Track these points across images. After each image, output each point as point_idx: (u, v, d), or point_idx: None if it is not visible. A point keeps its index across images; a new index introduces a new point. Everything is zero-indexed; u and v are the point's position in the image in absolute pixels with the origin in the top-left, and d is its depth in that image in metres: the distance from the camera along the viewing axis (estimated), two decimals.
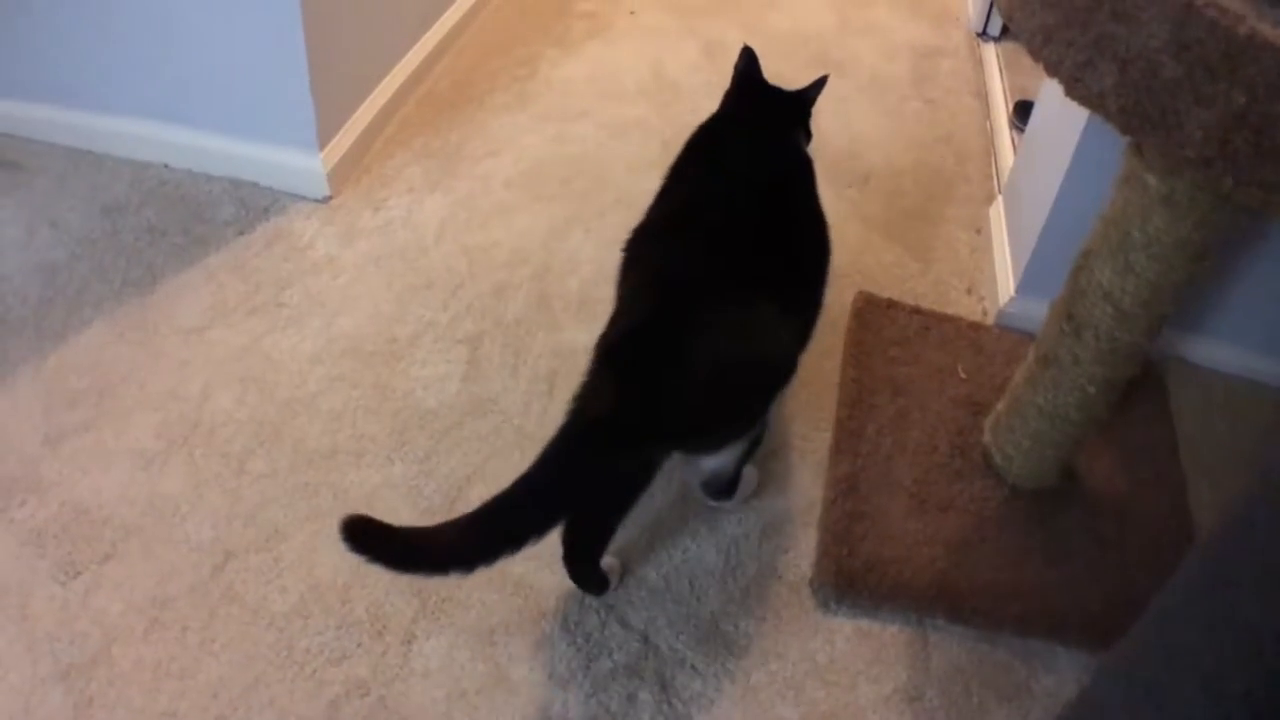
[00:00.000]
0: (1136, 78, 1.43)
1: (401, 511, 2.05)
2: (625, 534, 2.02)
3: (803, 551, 2.02)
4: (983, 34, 3.73)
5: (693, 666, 1.87)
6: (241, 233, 2.60)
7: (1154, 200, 1.72)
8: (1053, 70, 1.55)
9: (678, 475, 2.12)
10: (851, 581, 1.97)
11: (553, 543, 1.82)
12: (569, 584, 1.93)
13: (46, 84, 2.92)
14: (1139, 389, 2.35)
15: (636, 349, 1.77)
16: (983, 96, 3.38)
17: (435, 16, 3.18)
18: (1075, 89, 1.52)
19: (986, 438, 2.19)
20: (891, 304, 2.48)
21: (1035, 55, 1.58)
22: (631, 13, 3.47)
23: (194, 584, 1.95)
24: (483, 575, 1.92)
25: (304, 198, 2.70)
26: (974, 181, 2.90)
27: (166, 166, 2.79)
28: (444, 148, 2.52)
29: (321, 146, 2.65)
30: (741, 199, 1.98)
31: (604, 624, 1.92)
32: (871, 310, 2.46)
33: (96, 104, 2.89)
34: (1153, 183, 1.70)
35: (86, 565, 1.97)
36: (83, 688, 1.82)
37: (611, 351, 1.79)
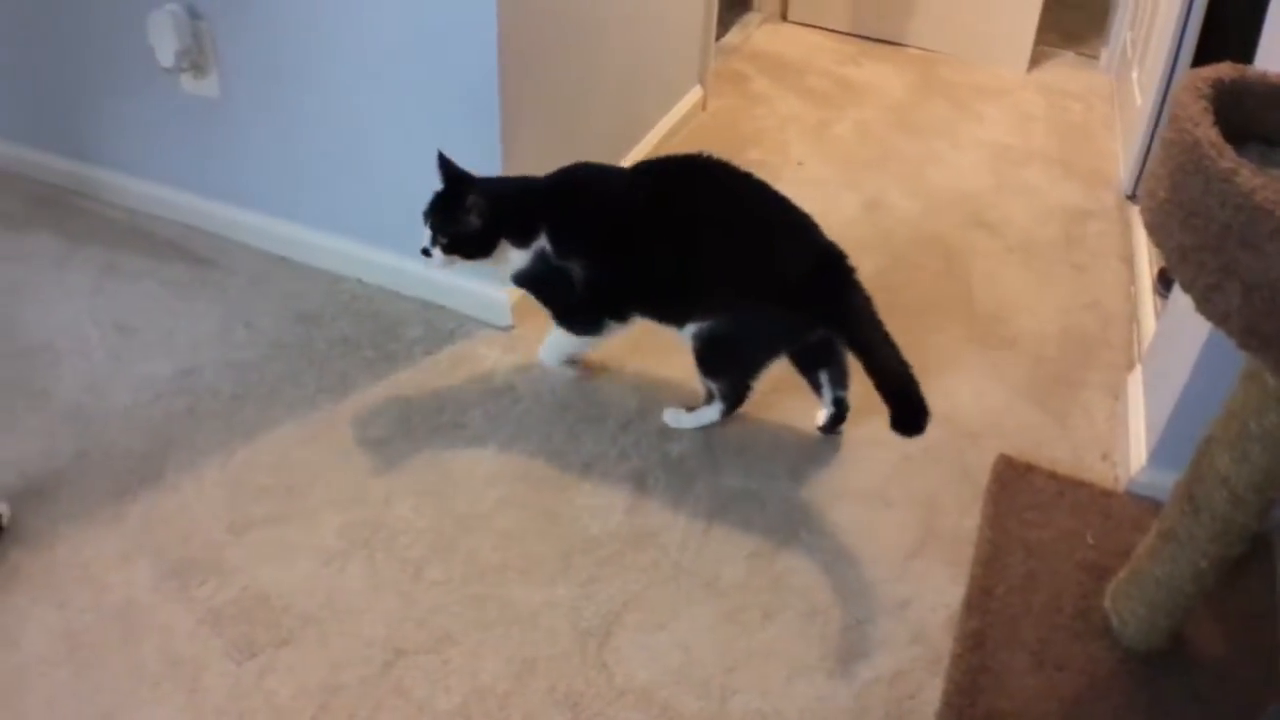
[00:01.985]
0: (1259, 304, 1.56)
1: (561, 631, 2.21)
2: (759, 666, 2.17)
3: (928, 699, 2.13)
4: (1132, 196, 3.82)
5: None
6: (428, 353, 2.83)
7: (1272, 399, 1.84)
8: (1186, 287, 1.68)
9: (819, 629, 2.26)
10: None
11: None
12: None
13: (249, 190, 3.21)
14: (1245, 557, 2.45)
15: None
16: (1129, 261, 3.48)
17: (617, 155, 3.38)
18: (1204, 307, 1.65)
19: (1107, 603, 2.31)
20: (1030, 468, 2.61)
21: (1171, 271, 1.73)
22: (799, 163, 3.64)
23: (364, 676, 2.13)
24: (639, 698, 2.08)
25: (488, 324, 2.93)
26: (1116, 348, 3.01)
27: (360, 281, 3.03)
28: None
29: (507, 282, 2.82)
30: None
31: None
32: (1010, 474, 2.58)
33: (295, 215, 3.15)
34: (1272, 383, 1.82)
35: (262, 648, 2.16)
36: None
37: None
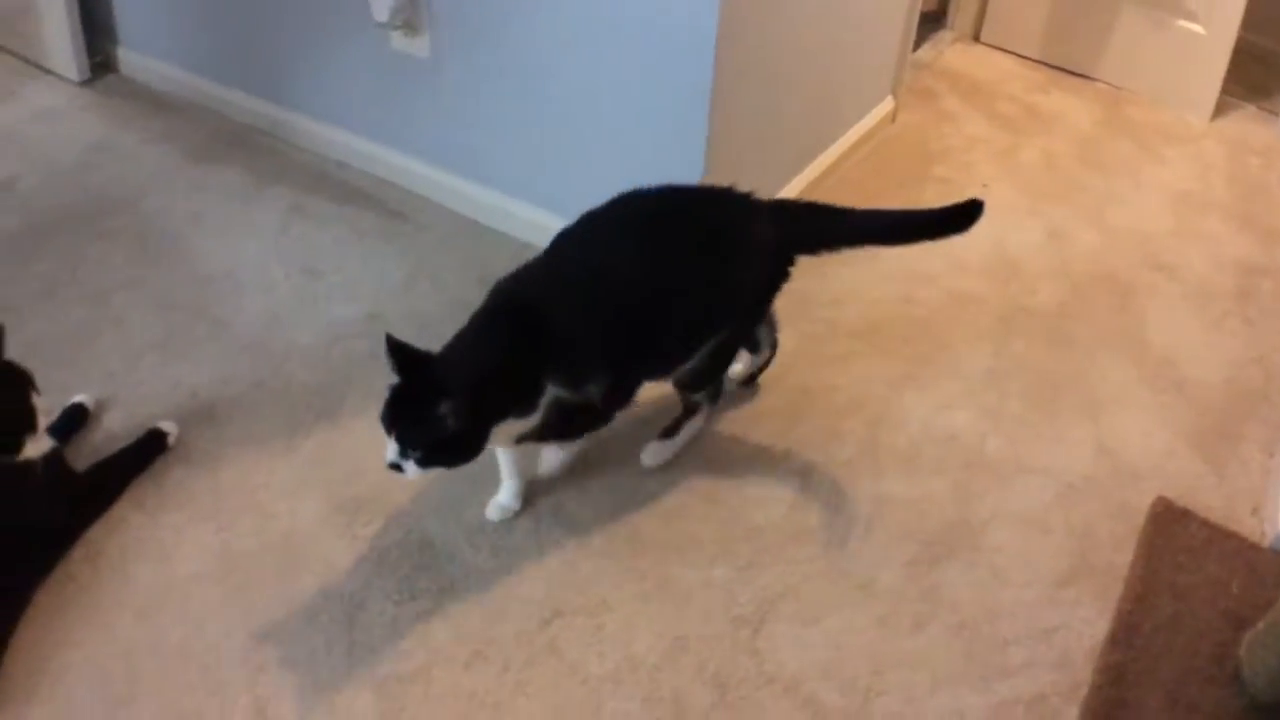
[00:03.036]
0: None
1: (715, 613, 2.29)
2: (905, 671, 2.23)
3: None
4: None
5: None
6: None
7: None
8: None
9: (966, 643, 2.30)
10: None
11: None
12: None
13: (445, 150, 3.31)
14: None
15: None
16: None
17: (809, 159, 3.42)
18: None
19: (1241, 651, 2.33)
20: (1185, 514, 2.61)
21: None
22: (985, 185, 3.66)
23: (520, 631, 2.23)
24: (786, 687, 2.14)
25: None
26: (1276, 405, 3.02)
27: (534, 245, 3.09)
28: (794, 290, 2.74)
29: None
30: None
31: None
32: (1167, 517, 2.60)
33: (490, 179, 3.23)
34: None
35: (423, 592, 2.26)
36: (396, 696, 2.11)
37: None
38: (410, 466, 2.16)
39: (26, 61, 4.20)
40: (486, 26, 3.05)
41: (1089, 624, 2.33)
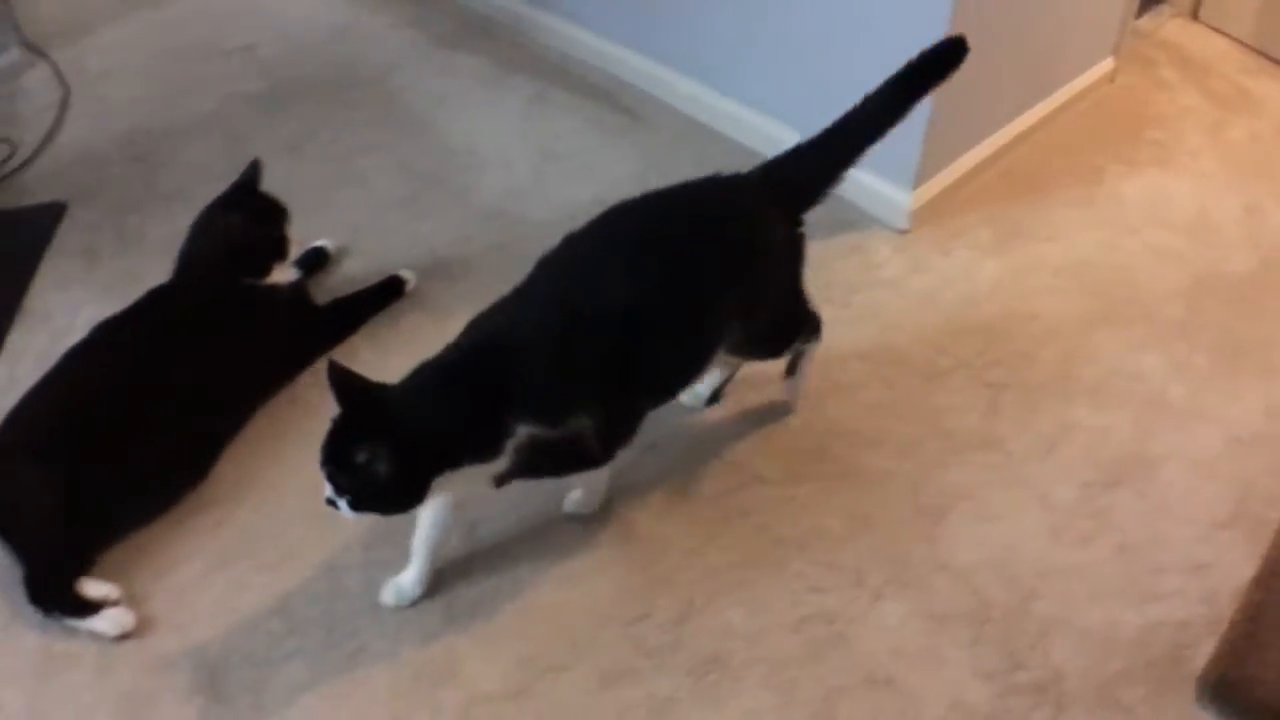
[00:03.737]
0: None
1: (901, 499, 2.46)
2: (1066, 580, 2.35)
3: (1201, 653, 2.20)
4: None
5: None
6: (827, 235, 3.04)
7: None
8: None
9: (1127, 564, 2.44)
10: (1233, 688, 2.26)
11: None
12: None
13: (681, 54, 3.46)
14: None
15: None
16: None
17: (1027, 106, 3.52)
18: None
19: None
20: None
21: None
22: (1192, 155, 3.77)
23: (720, 491, 2.48)
24: (955, 575, 2.32)
25: (884, 225, 3.11)
26: None
27: (764, 156, 3.25)
28: (1009, 220, 2.87)
29: (914, 186, 3.03)
30: None
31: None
32: None
33: (721, 85, 3.39)
34: None
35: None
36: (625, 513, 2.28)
37: None
38: (344, 506, 2.01)
39: None
40: None
41: (1237, 567, 2.40)
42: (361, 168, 3.37)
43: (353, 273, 3.00)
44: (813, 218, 2.86)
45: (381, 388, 2.02)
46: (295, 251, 2.81)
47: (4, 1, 4.23)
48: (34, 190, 3.54)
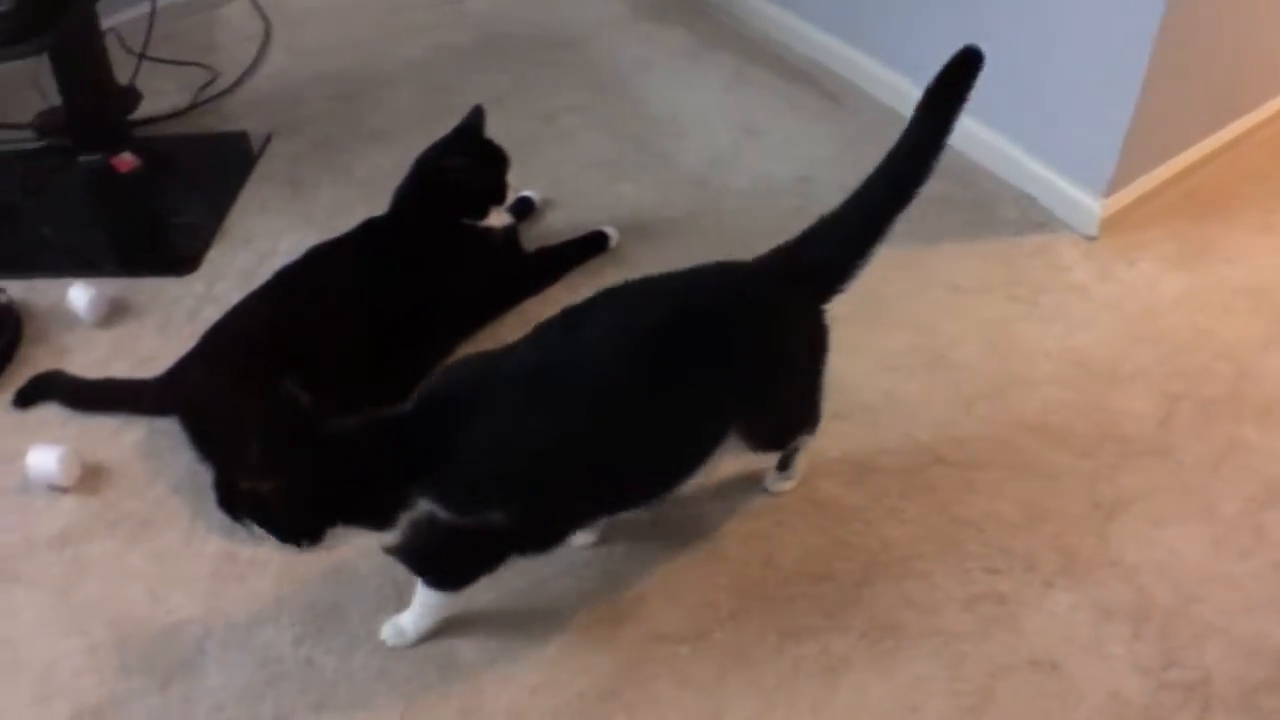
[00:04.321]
0: None
1: (1077, 495, 2.52)
2: (1225, 590, 2.40)
3: None
4: None
5: None
6: (1016, 234, 3.12)
7: None
8: None
9: None
10: None
11: None
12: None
13: (889, 45, 3.55)
14: None
15: None
16: None
17: (1225, 122, 3.48)
18: None
19: None
20: None
21: None
22: None
23: (901, 466, 2.58)
24: (1122, 573, 2.39)
25: (1072, 229, 3.16)
26: None
27: (963, 153, 3.33)
28: (1193, 238, 2.91)
29: (1106, 194, 3.08)
30: None
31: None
32: None
33: (921, 74, 3.47)
34: None
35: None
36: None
37: None
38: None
39: None
40: None
41: None
42: (566, 125, 3.53)
43: (555, 225, 3.16)
44: (1007, 214, 2.98)
45: (312, 422, 1.91)
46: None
47: None
48: (235, 117, 3.78)
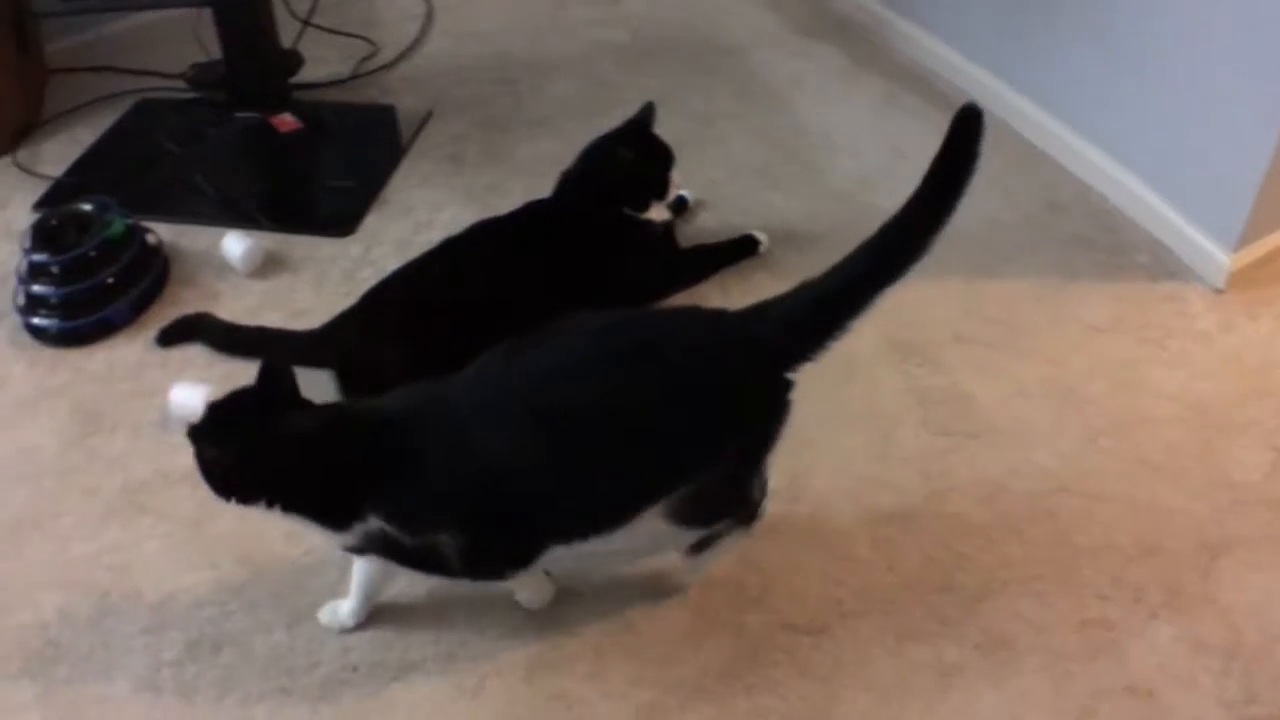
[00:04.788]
0: None
1: (1186, 535, 2.63)
2: None
3: None
4: None
5: None
6: (1150, 280, 3.22)
7: None
8: None
9: None
10: None
11: None
12: None
13: (1036, 81, 3.64)
14: None
15: None
16: None
17: None
18: None
19: None
20: None
21: None
22: None
23: (1028, 490, 2.69)
24: (1217, 610, 2.50)
25: (1202, 280, 3.25)
26: None
27: (1103, 196, 3.46)
28: None
29: (1236, 248, 3.16)
30: None
31: None
32: None
33: (1071, 119, 3.53)
34: None
35: (954, 432, 2.82)
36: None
37: None
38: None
39: None
40: None
41: None
42: (721, 130, 3.71)
43: (707, 224, 3.34)
44: (1141, 259, 3.10)
45: (281, 404, 1.98)
46: None
47: None
48: (395, 91, 4.01)
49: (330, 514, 1.96)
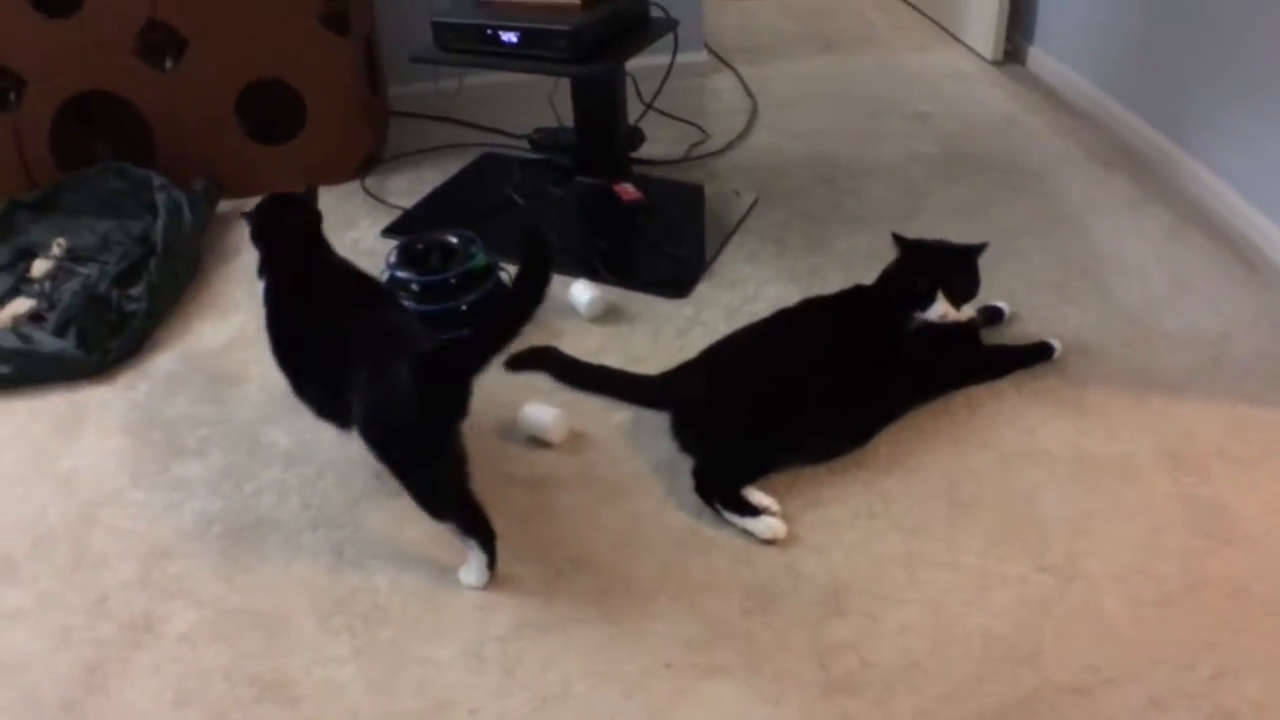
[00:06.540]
0: None
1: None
2: None
3: None
4: None
5: None
6: None
7: None
8: None
9: None
10: None
11: None
12: None
13: None
14: None
15: None
16: None
17: None
18: None
19: None
20: None
21: None
22: None
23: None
24: None
25: None
26: None
27: None
28: None
29: None
30: None
31: None
32: None
33: None
34: None
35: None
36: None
37: None
38: None
39: (943, 29, 5.56)
40: None
41: None
42: (1022, 245, 3.91)
43: (1006, 329, 3.53)
44: None
45: (325, 255, 2.89)
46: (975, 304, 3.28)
47: (697, 6, 5.08)
48: (723, 177, 4.37)
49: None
